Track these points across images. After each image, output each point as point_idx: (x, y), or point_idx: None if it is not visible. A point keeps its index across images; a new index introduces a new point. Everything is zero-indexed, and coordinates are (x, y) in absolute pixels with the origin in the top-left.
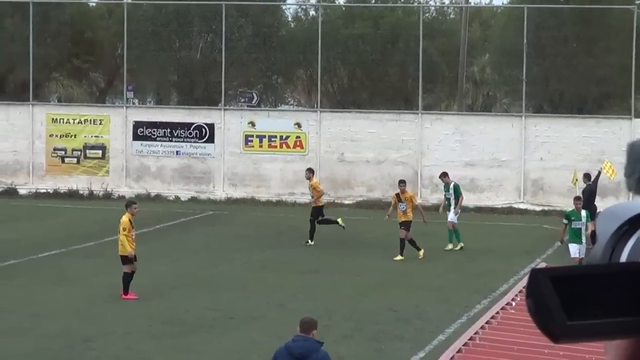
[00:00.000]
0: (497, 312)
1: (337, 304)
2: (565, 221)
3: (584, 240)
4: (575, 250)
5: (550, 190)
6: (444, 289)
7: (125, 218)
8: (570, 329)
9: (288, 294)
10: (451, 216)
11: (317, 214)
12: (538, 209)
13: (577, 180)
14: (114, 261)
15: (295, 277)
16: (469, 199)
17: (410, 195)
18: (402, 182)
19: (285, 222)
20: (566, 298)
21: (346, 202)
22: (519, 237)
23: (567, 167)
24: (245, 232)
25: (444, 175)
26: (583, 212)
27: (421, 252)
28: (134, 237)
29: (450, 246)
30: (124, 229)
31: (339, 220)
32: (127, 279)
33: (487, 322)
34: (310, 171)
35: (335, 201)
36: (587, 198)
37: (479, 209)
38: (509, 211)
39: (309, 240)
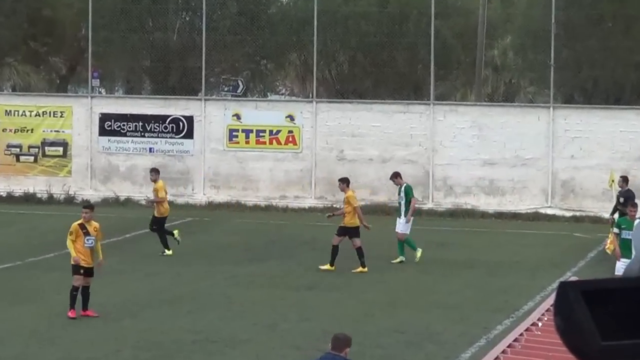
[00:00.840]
0: (521, 334)
1: (336, 324)
2: (615, 230)
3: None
4: (621, 267)
5: (583, 193)
6: (459, 308)
7: (76, 222)
8: (606, 351)
9: (279, 313)
10: (401, 226)
11: (159, 224)
12: (568, 214)
13: (613, 181)
14: None
15: (287, 294)
16: (489, 203)
17: (347, 196)
18: (340, 180)
19: (276, 230)
20: (600, 315)
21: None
22: (546, 247)
23: (602, 166)
24: (229, 241)
25: (395, 175)
26: (638, 221)
27: (327, 267)
28: (86, 245)
29: (399, 259)
30: (70, 234)
31: (175, 232)
32: (72, 292)
33: (509, 346)
34: (156, 172)
35: (334, 205)
36: (624, 205)
37: (499, 215)
38: (535, 217)
39: (165, 250)
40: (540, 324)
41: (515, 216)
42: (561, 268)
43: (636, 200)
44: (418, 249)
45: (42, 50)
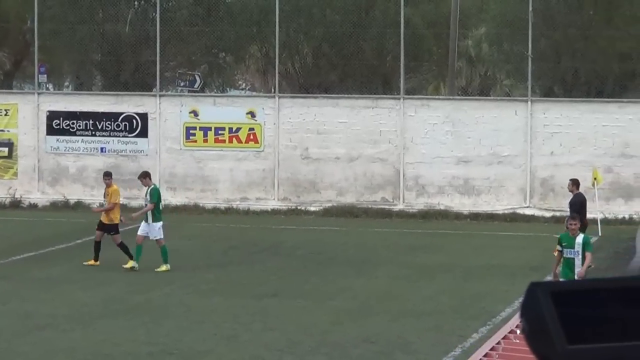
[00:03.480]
0: (498, 343)
1: (301, 334)
2: (559, 248)
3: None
4: None
5: (563, 191)
6: (433, 315)
7: None
8: (571, 355)
9: (241, 322)
10: (157, 232)
11: None
12: (548, 214)
13: (596, 179)
14: (25, 285)
15: (250, 302)
16: (464, 204)
17: (111, 190)
18: (106, 175)
19: (237, 235)
20: (569, 318)
21: (311, 208)
22: (525, 249)
23: (584, 163)
24: (187, 246)
25: (143, 175)
26: (579, 237)
27: (130, 263)
28: None
29: (130, 264)
30: None
31: None
32: None
33: (485, 355)
34: None
35: (299, 207)
36: (578, 210)
37: (475, 216)
38: (512, 218)
39: None
40: (519, 332)
41: (491, 217)
42: (541, 272)
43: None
44: (135, 262)
45: None
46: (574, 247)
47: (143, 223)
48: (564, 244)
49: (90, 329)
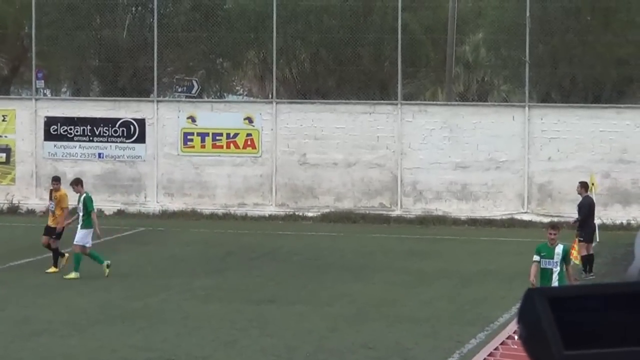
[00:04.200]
0: (496, 348)
1: (299, 340)
2: (536, 258)
3: None
4: None
5: (561, 197)
6: (431, 321)
7: None
8: None
9: (239, 328)
10: (78, 236)
11: None
12: (545, 220)
13: (593, 184)
14: (23, 290)
15: (247, 308)
16: (462, 209)
17: (60, 195)
18: (54, 179)
19: (235, 240)
20: (567, 323)
21: (309, 214)
22: (523, 255)
23: (581, 168)
24: (185, 252)
25: (75, 182)
26: (558, 248)
27: (52, 269)
28: None
29: (72, 275)
30: None
31: None
32: None
33: None
34: None
35: (296, 213)
36: (587, 213)
37: (472, 221)
38: (510, 223)
39: None
40: (516, 337)
41: (489, 223)
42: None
43: (556, 221)
44: (105, 261)
45: None
46: (553, 258)
47: (79, 230)
48: (542, 254)
49: (87, 335)
